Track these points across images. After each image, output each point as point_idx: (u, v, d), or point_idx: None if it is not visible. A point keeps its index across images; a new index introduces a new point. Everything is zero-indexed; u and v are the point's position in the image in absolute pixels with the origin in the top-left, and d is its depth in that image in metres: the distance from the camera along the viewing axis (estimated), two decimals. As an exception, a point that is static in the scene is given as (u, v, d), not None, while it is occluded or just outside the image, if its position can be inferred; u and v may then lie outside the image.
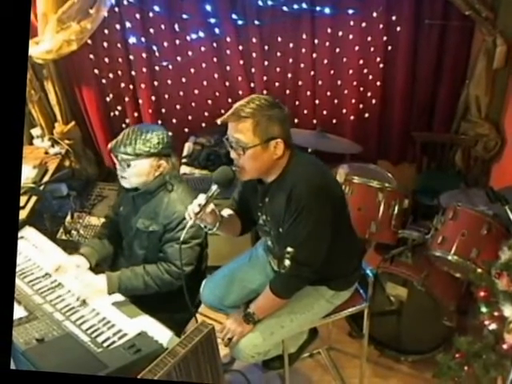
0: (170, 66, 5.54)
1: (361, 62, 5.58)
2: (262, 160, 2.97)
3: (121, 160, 3.40)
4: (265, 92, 5.63)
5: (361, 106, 5.81)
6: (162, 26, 5.35)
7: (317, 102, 5.80)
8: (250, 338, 3.30)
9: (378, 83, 5.67)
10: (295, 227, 2.99)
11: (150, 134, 3.38)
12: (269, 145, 2.93)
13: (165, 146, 3.42)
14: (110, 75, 5.60)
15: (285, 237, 3.11)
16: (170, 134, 3.50)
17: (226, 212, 3.42)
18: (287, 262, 3.04)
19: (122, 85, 5.64)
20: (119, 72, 5.58)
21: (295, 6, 5.22)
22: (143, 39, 5.37)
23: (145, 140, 3.34)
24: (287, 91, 5.76)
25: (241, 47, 5.47)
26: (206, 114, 5.73)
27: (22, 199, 4.31)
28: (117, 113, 5.85)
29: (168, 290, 3.46)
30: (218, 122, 3.03)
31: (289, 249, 3.03)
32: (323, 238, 3.06)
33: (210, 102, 5.75)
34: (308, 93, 5.74)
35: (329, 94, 5.75)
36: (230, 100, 5.67)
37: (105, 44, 5.43)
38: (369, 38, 5.46)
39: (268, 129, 2.91)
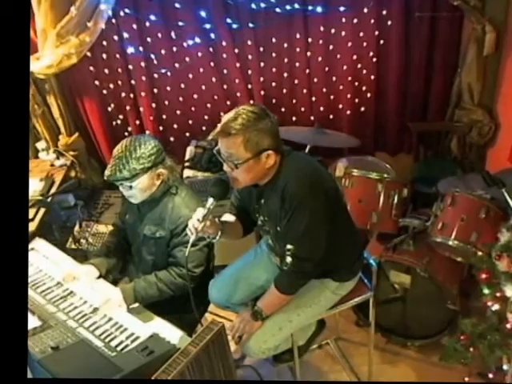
0: (169, 73, 5.54)
1: (354, 57, 5.59)
2: (255, 171, 2.98)
3: (121, 184, 3.40)
4: (262, 92, 5.66)
5: (356, 100, 5.81)
6: (159, 35, 5.34)
7: (313, 99, 5.80)
8: (260, 334, 3.33)
9: (372, 77, 5.69)
10: (292, 224, 3.00)
11: (139, 149, 3.30)
12: (260, 157, 2.93)
13: (157, 156, 3.37)
14: (111, 85, 5.60)
15: (283, 235, 3.12)
16: (158, 141, 3.45)
17: (227, 217, 3.44)
18: (289, 259, 3.05)
19: (123, 94, 5.64)
20: (119, 82, 5.57)
21: (288, 7, 5.22)
22: (141, 48, 5.37)
23: (137, 158, 3.28)
24: (284, 90, 5.77)
25: (236, 50, 5.47)
26: (206, 117, 5.73)
27: (31, 212, 4.33)
28: (119, 122, 5.85)
29: (182, 293, 3.44)
30: (209, 138, 3.03)
31: (289, 246, 3.04)
32: (321, 232, 3.05)
33: (209, 105, 5.75)
34: (304, 91, 5.74)
35: (324, 90, 5.76)
36: (228, 102, 5.69)
37: (104, 55, 5.43)
38: (361, 34, 5.48)
39: (258, 142, 2.89)
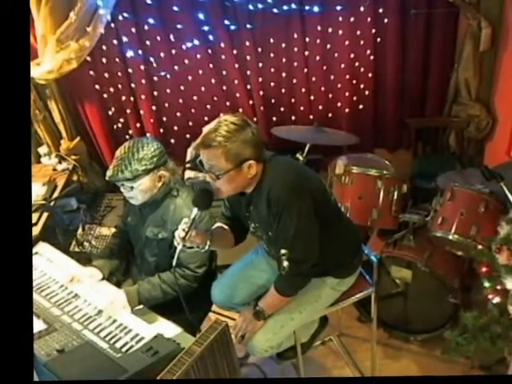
0: (168, 76, 5.56)
1: (352, 55, 5.60)
2: (237, 182, 2.97)
3: (122, 185, 3.41)
4: (261, 93, 5.68)
5: (355, 98, 5.83)
6: (158, 38, 5.35)
7: (312, 97, 5.82)
8: (262, 333, 3.34)
9: (370, 75, 5.71)
10: (282, 228, 2.99)
11: (142, 150, 3.33)
12: (242, 167, 2.91)
13: (159, 158, 3.39)
14: (111, 89, 5.61)
15: (275, 240, 3.12)
16: (160, 144, 3.47)
17: (217, 226, 3.45)
18: (285, 263, 3.04)
19: (123, 98, 5.65)
20: (119, 85, 5.59)
21: (285, 7, 5.24)
22: (140, 52, 5.38)
23: (139, 159, 3.30)
24: (283, 90, 5.79)
25: (235, 51, 5.48)
26: (206, 118, 5.68)
27: (34, 216, 4.31)
28: (120, 125, 5.86)
29: (186, 293, 3.42)
30: (191, 149, 3.00)
31: (283, 251, 3.03)
32: (312, 232, 3.04)
33: (209, 106, 5.77)
34: (303, 90, 5.76)
35: (323, 89, 5.77)
36: (228, 103, 5.72)
37: (103, 60, 5.45)
38: (358, 32, 5.49)
39: (239, 153, 2.88)
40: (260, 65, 5.59)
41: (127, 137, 5.83)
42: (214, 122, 2.95)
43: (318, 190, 3.13)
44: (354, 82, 5.75)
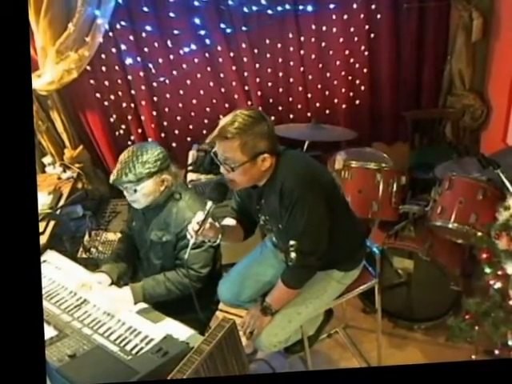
0: (167, 81, 5.56)
1: (346, 52, 5.62)
2: (251, 174, 2.99)
3: (126, 188, 3.41)
4: (259, 93, 5.68)
5: (351, 94, 5.84)
6: (156, 44, 5.35)
7: (309, 95, 5.82)
8: (270, 328, 3.34)
9: (365, 70, 5.72)
10: (293, 220, 3.00)
11: (146, 154, 3.33)
12: (256, 160, 2.93)
13: (163, 161, 3.38)
14: (112, 97, 5.61)
15: (286, 231, 3.12)
16: (164, 149, 3.47)
17: (227, 221, 3.45)
18: (293, 255, 3.05)
19: (124, 104, 5.65)
20: (120, 93, 5.59)
21: (279, 8, 5.25)
22: (139, 59, 5.38)
23: (143, 163, 3.30)
24: (280, 89, 5.79)
25: (232, 54, 5.49)
26: (206, 121, 5.74)
27: (41, 225, 4.33)
28: (121, 132, 5.85)
29: (189, 292, 3.41)
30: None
31: (291, 242, 3.04)
32: (322, 224, 3.06)
33: (208, 109, 5.76)
34: (300, 88, 5.76)
35: (319, 86, 5.78)
36: (227, 105, 5.71)
37: (103, 68, 5.44)
38: (352, 29, 5.51)
39: (255, 146, 2.89)
40: (257, 66, 5.60)
41: (129, 143, 5.81)
42: (230, 115, 2.95)
43: (329, 183, 3.15)
44: (350, 78, 5.76)
